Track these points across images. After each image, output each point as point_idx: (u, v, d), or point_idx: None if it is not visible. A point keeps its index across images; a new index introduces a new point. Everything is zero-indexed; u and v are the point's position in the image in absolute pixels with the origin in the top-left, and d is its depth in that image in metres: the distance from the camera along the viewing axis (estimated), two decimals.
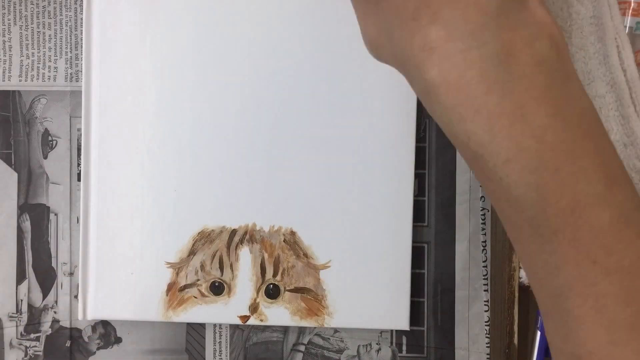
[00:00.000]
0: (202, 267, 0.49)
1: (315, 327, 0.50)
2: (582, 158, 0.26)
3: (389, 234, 0.48)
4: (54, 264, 0.51)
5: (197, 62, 0.49)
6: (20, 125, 0.51)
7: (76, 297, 0.51)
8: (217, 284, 0.49)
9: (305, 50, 0.49)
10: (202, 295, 0.49)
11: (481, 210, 0.50)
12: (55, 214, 0.51)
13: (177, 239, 0.49)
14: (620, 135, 0.41)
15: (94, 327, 0.51)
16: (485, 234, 0.50)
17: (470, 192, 0.50)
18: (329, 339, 0.51)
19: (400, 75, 0.48)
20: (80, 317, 0.49)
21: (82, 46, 0.50)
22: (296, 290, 0.49)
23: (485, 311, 0.50)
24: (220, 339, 0.51)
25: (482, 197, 0.50)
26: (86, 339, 0.51)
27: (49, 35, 0.51)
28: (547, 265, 0.27)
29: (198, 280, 0.49)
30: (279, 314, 0.49)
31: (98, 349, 0.51)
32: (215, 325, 0.51)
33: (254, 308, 0.49)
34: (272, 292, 0.49)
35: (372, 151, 0.48)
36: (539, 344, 0.45)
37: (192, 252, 0.49)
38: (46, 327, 0.51)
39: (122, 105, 0.49)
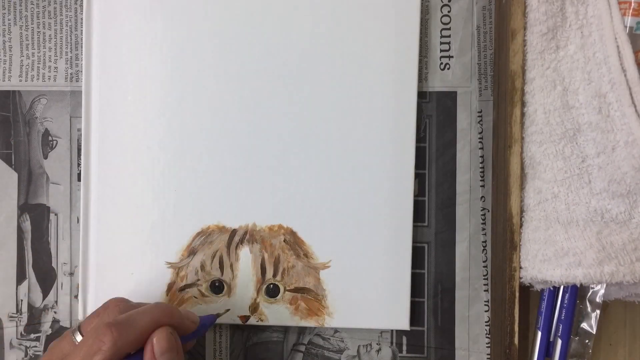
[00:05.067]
0: (202, 267, 0.49)
1: (315, 327, 0.50)
2: None
3: (389, 234, 0.48)
4: (54, 264, 0.51)
5: (198, 62, 0.49)
6: (20, 125, 0.51)
7: (76, 297, 0.51)
8: (217, 284, 0.49)
9: (305, 51, 0.49)
10: (202, 295, 0.49)
11: (481, 210, 0.50)
12: (56, 214, 0.51)
13: (177, 239, 0.49)
14: (621, 135, 0.41)
15: None
16: (485, 234, 0.50)
17: (470, 192, 0.50)
18: (329, 339, 0.51)
19: (400, 76, 0.49)
20: (80, 317, 0.49)
21: (82, 46, 0.50)
22: (296, 290, 0.49)
23: (486, 311, 0.50)
24: (220, 339, 0.51)
25: (482, 197, 0.50)
26: None
27: (49, 35, 0.51)
28: None
29: (198, 280, 0.49)
30: (279, 314, 0.49)
31: None
32: (215, 325, 0.51)
33: (254, 308, 0.49)
34: (272, 292, 0.49)
35: (372, 151, 0.48)
36: (540, 344, 0.45)
37: (192, 252, 0.49)
38: (46, 327, 0.51)
39: (122, 105, 0.49)
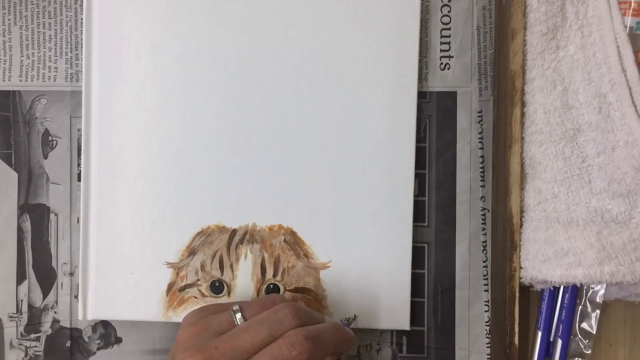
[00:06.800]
0: (203, 267, 0.49)
1: None
2: None
3: (389, 234, 0.48)
4: (54, 264, 0.51)
5: (197, 62, 0.49)
6: (20, 125, 0.51)
7: (76, 297, 0.51)
8: (217, 284, 0.49)
9: (305, 51, 0.49)
10: (203, 295, 0.49)
11: (481, 210, 0.50)
12: (56, 214, 0.51)
13: (178, 239, 0.49)
14: (621, 135, 0.41)
15: (94, 327, 0.51)
16: (485, 234, 0.50)
17: (470, 192, 0.50)
18: None
19: (400, 76, 0.49)
20: (80, 317, 0.49)
21: (82, 46, 0.50)
22: (296, 290, 0.49)
23: (486, 311, 0.50)
24: None
25: (482, 197, 0.50)
26: (86, 339, 0.51)
27: (49, 35, 0.51)
28: None
29: (198, 280, 0.49)
30: None
31: (98, 349, 0.51)
32: None
33: None
34: (272, 292, 0.49)
35: (372, 151, 0.48)
36: (540, 344, 0.45)
37: (192, 252, 0.49)
38: (46, 327, 0.51)
39: (122, 105, 0.49)
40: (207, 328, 0.40)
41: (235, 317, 0.41)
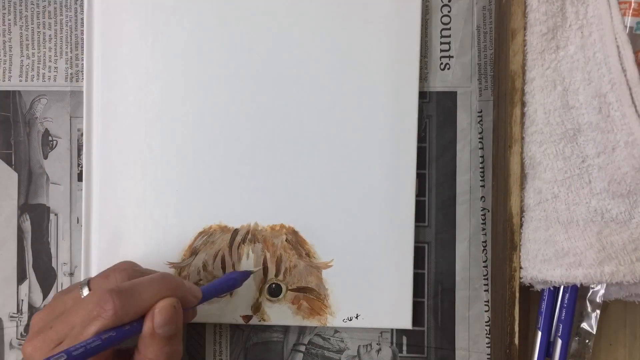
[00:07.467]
0: (205, 267, 0.49)
1: (315, 327, 0.50)
2: None
3: (391, 234, 0.49)
4: (54, 264, 0.51)
5: (199, 61, 0.49)
6: (20, 125, 0.51)
7: None
8: None
9: (306, 51, 0.49)
10: None
11: (481, 210, 0.50)
12: (56, 214, 0.51)
13: (179, 239, 0.49)
14: (621, 135, 0.41)
15: None
16: (485, 234, 0.50)
17: (470, 192, 0.50)
18: (329, 339, 0.51)
19: (401, 76, 0.49)
20: None
21: (82, 46, 0.50)
22: (298, 289, 0.49)
23: (486, 311, 0.50)
24: (220, 339, 0.51)
25: (482, 197, 0.50)
26: None
27: (49, 35, 0.51)
28: None
29: (200, 280, 0.49)
30: (281, 313, 0.49)
31: None
32: (215, 325, 0.51)
33: (256, 308, 0.49)
34: (275, 292, 0.49)
35: (374, 151, 0.48)
36: (540, 344, 0.45)
37: (194, 252, 0.49)
38: None
39: (123, 105, 0.49)
40: (52, 309, 0.40)
41: (82, 292, 0.40)
